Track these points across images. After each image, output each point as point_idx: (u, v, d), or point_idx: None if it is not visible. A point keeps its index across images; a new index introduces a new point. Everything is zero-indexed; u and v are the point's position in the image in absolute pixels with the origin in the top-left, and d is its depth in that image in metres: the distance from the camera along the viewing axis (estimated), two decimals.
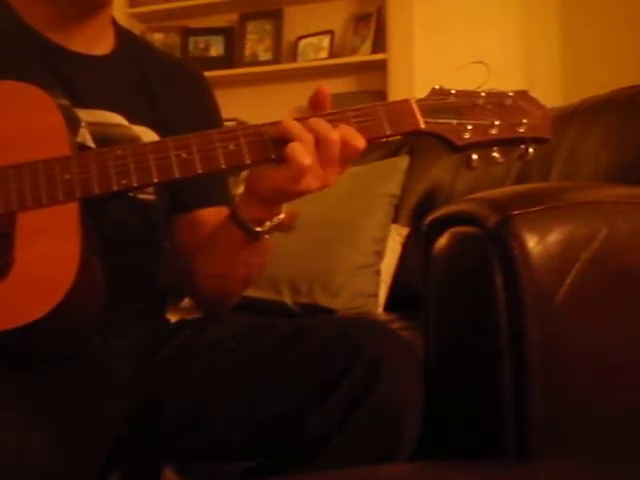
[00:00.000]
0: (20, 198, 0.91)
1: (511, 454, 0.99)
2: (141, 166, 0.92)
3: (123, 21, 2.62)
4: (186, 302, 1.81)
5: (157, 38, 3.60)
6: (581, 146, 1.54)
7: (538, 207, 1.01)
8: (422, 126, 0.96)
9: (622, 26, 2.84)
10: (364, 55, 3.29)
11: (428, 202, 1.91)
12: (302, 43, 3.43)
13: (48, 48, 1.09)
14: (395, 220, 1.96)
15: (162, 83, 1.18)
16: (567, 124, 1.59)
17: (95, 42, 1.13)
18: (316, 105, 0.96)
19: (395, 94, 3.09)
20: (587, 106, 1.62)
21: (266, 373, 1.00)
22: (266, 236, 1.03)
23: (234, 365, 1.03)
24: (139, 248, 1.13)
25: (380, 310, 1.85)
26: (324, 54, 3.37)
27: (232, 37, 3.57)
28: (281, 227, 1.02)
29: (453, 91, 0.98)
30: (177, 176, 0.93)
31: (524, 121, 0.98)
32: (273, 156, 0.94)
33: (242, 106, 3.35)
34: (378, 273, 1.88)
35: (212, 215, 1.16)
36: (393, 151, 2.08)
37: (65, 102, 1.02)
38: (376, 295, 1.86)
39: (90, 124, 1.06)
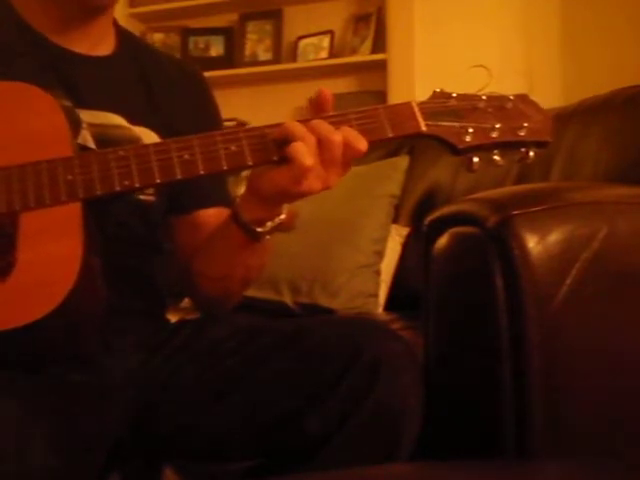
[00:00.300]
0: (23, 198, 0.91)
1: (511, 454, 0.99)
2: (143, 167, 0.92)
3: (123, 21, 2.61)
4: (186, 302, 1.81)
5: (157, 38, 3.59)
6: (581, 146, 1.54)
7: (538, 207, 1.01)
8: (423, 129, 0.97)
9: (622, 26, 2.85)
10: (364, 55, 3.29)
11: (428, 202, 1.91)
12: (302, 43, 3.43)
13: (50, 49, 1.09)
14: (395, 220, 1.96)
15: (162, 84, 1.18)
16: (567, 124, 1.59)
17: (96, 43, 1.13)
18: (318, 107, 0.96)
19: (395, 94, 3.09)
20: (587, 106, 1.62)
21: (266, 373, 1.00)
22: (267, 237, 1.03)
23: (234, 365, 1.03)
24: (139, 248, 1.13)
25: (380, 310, 1.85)
26: (324, 54, 3.37)
27: (232, 37, 3.57)
28: (282, 227, 1.02)
29: (454, 94, 0.99)
30: (179, 177, 0.93)
31: (525, 124, 0.98)
32: (275, 158, 0.94)
33: (242, 106, 3.35)
34: (378, 273, 1.88)
35: (212, 216, 1.16)
36: (393, 151, 2.08)
37: (67, 103, 1.02)
38: (376, 295, 1.86)
39: (91, 125, 1.06)
